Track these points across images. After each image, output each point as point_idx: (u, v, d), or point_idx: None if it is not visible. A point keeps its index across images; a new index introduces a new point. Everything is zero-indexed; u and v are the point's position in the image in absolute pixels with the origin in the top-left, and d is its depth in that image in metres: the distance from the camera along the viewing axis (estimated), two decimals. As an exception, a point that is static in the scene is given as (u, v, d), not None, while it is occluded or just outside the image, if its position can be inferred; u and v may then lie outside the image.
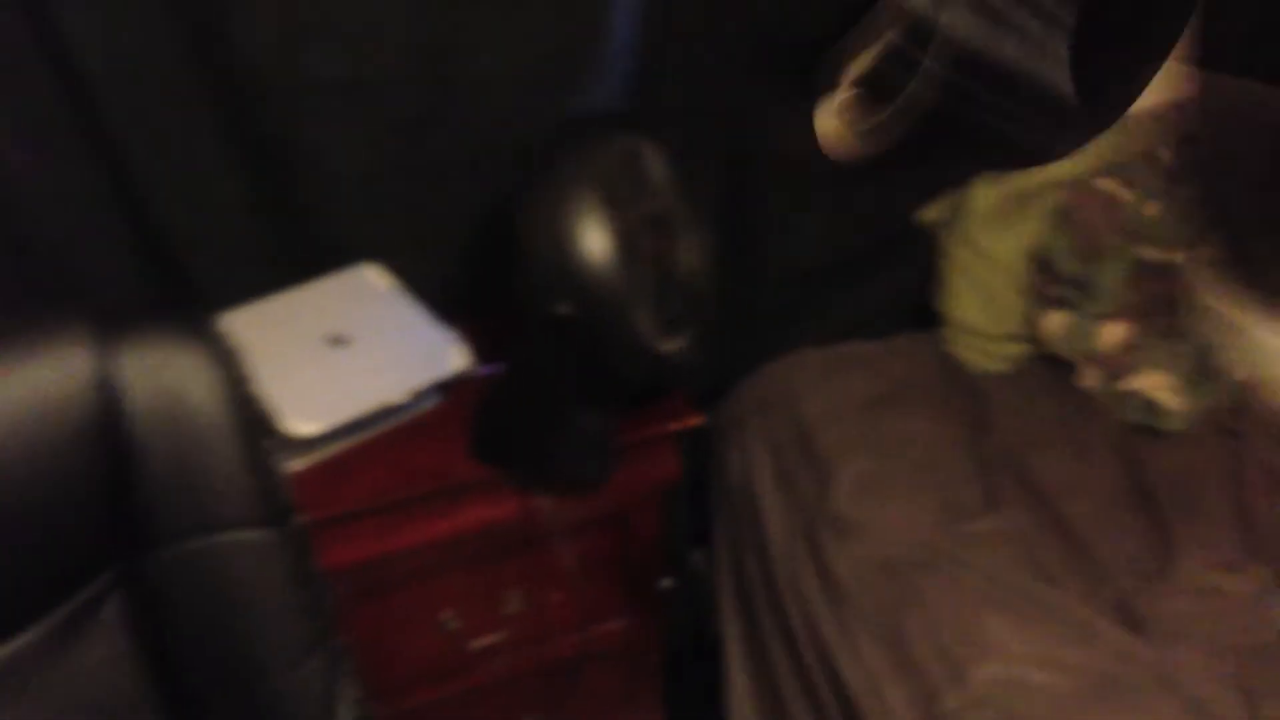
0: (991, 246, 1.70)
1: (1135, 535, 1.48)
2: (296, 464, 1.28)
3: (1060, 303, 1.68)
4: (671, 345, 1.28)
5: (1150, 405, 1.63)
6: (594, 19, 1.40)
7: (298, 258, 1.44)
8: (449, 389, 1.37)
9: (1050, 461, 1.59)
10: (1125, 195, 1.68)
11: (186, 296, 1.39)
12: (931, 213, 1.77)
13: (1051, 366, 1.72)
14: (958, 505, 1.52)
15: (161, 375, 0.80)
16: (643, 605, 1.57)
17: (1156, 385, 1.63)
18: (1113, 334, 1.66)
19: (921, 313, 1.81)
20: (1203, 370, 1.66)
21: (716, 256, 1.37)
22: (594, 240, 1.21)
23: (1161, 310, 1.68)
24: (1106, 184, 1.68)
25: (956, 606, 1.38)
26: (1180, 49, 1.65)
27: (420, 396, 1.34)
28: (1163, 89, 1.70)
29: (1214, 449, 1.61)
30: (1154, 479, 1.55)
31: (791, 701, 1.53)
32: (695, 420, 1.44)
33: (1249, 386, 1.67)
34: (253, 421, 0.84)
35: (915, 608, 1.39)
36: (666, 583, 1.69)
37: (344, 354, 1.33)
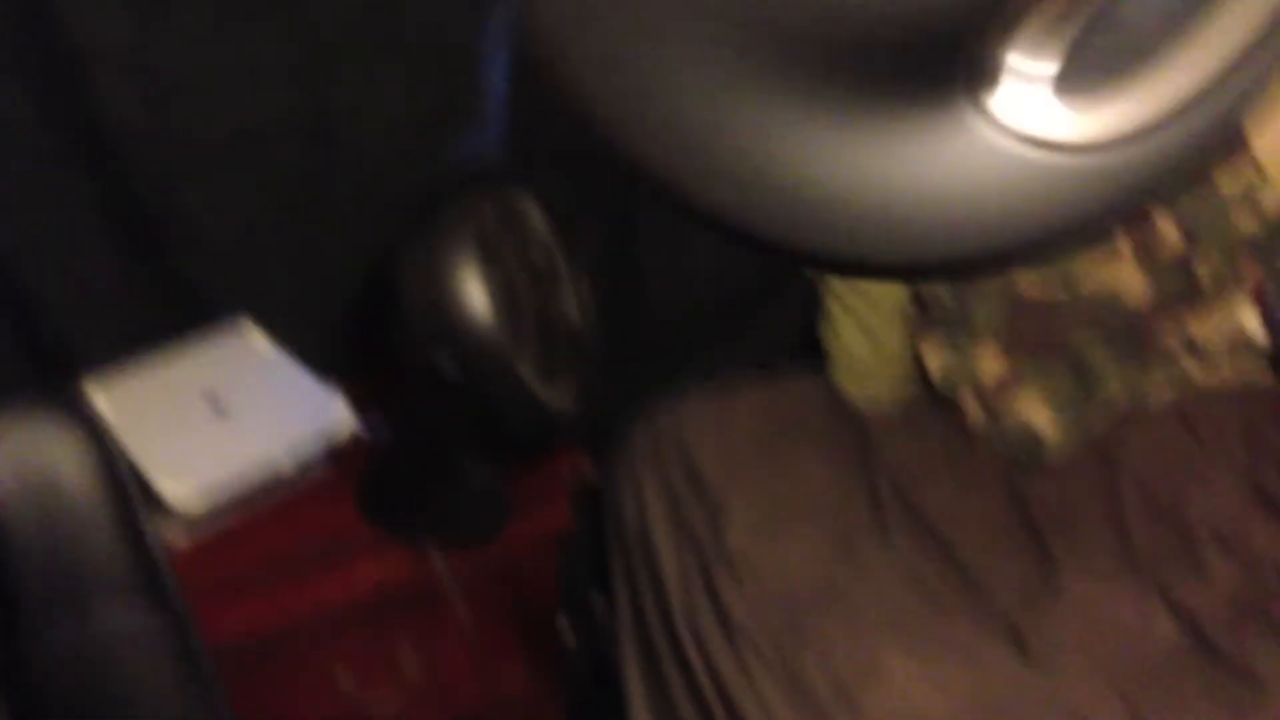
0: (872, 286, 1.74)
1: (1021, 562, 1.52)
2: (178, 537, 1.25)
3: (939, 335, 1.72)
4: (557, 395, 1.28)
5: (1030, 437, 1.68)
6: (471, 72, 1.40)
7: (173, 316, 1.42)
8: (335, 448, 1.36)
9: (937, 494, 1.62)
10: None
11: (58, 359, 1.35)
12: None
13: (936, 400, 1.76)
14: (849, 540, 1.55)
15: (30, 459, 0.78)
16: (542, 653, 1.57)
17: (1036, 417, 1.68)
18: (991, 366, 1.70)
19: (808, 348, 1.84)
20: (1081, 399, 1.71)
21: (600, 302, 1.38)
22: (474, 294, 1.21)
23: (1039, 339, 1.72)
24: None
25: (850, 638, 1.40)
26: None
27: (306, 458, 1.32)
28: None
29: (1093, 474, 1.66)
30: (1037, 507, 1.59)
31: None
32: (586, 467, 1.45)
33: (1125, 412, 1.73)
34: (128, 501, 0.83)
35: (810, 641, 1.40)
36: (565, 629, 1.68)
37: (224, 418, 1.31)
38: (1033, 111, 0.13)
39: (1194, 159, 0.13)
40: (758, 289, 1.82)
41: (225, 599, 1.22)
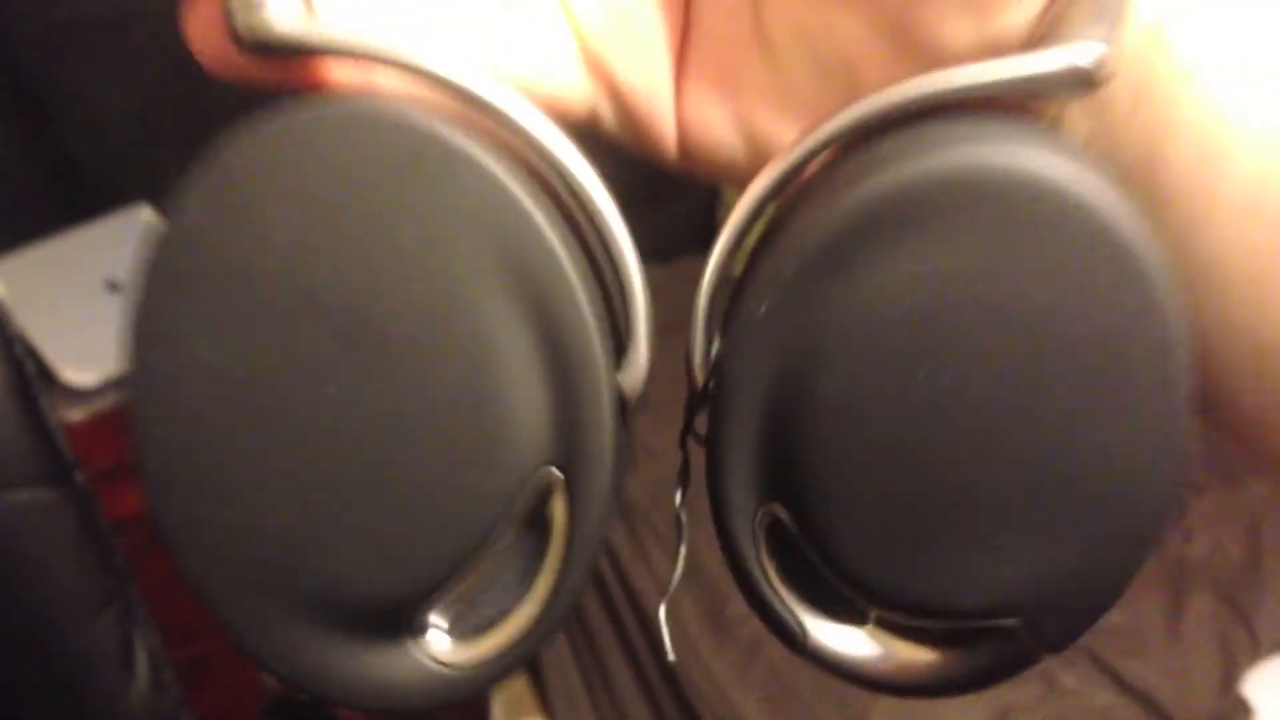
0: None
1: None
2: (77, 414, 1.26)
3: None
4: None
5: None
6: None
7: (68, 202, 1.40)
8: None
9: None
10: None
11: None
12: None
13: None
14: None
15: (-76, 339, 0.78)
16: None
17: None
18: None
19: (705, 237, 1.87)
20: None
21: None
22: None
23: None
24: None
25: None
26: None
27: (205, 341, 1.33)
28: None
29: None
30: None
31: (592, 616, 1.60)
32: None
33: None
34: (26, 380, 0.84)
35: (705, 520, 1.46)
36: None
37: (120, 301, 1.31)
38: (439, 646, 0.23)
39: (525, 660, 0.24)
40: (655, 179, 1.84)
41: (121, 479, 1.23)
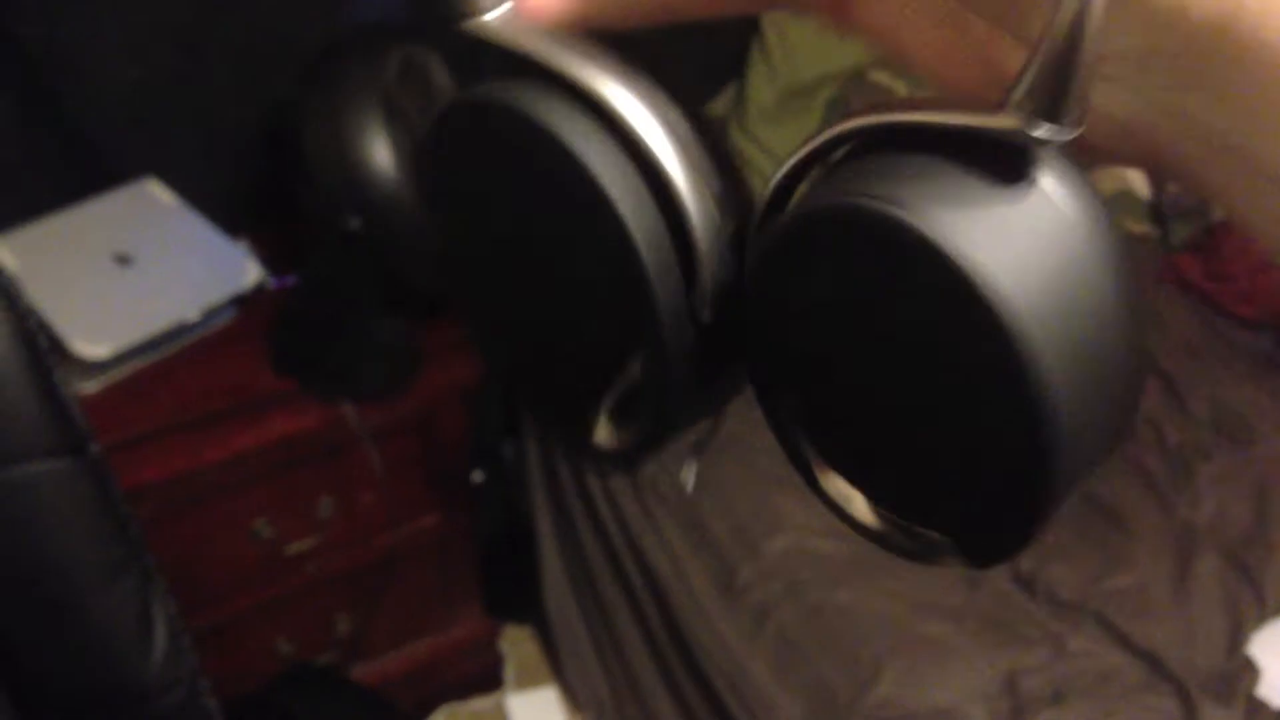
0: (771, 140, 1.77)
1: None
2: (90, 387, 1.27)
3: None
4: (465, 251, 1.30)
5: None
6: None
7: (75, 175, 1.40)
8: (243, 303, 1.37)
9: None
10: (898, 88, 1.76)
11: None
12: (715, 107, 1.82)
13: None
14: (746, 391, 1.60)
15: (-63, 313, 0.79)
16: (454, 501, 1.62)
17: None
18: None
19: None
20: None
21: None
22: (379, 153, 1.22)
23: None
24: (880, 76, 1.76)
25: (749, 486, 1.47)
26: None
27: (213, 312, 1.34)
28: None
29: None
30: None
31: (602, 583, 1.61)
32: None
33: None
34: (39, 352, 0.84)
35: (712, 490, 1.47)
36: (477, 477, 1.73)
37: (131, 273, 1.32)
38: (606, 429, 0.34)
39: None
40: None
41: (137, 449, 1.24)
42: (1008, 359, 0.23)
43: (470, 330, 0.36)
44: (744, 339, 0.31)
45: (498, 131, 0.32)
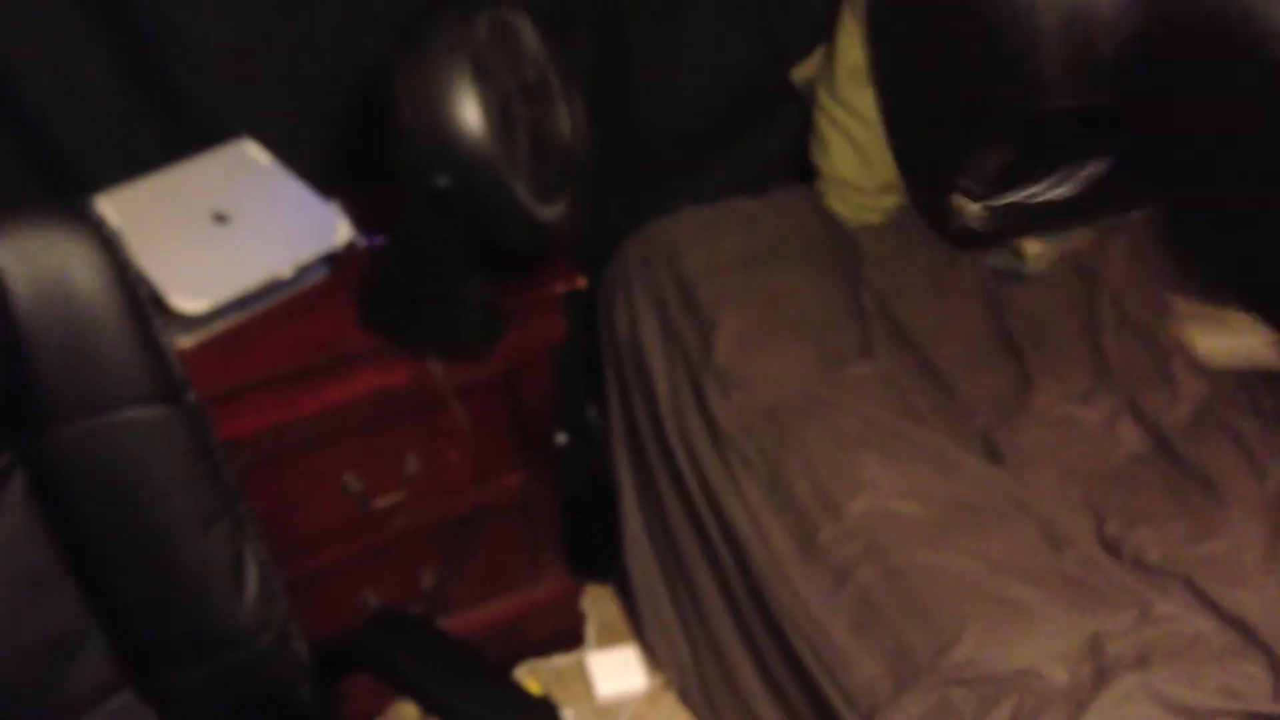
0: (862, 103, 1.75)
1: (997, 374, 1.58)
2: (187, 341, 1.30)
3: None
4: (550, 211, 1.31)
5: (1013, 250, 1.72)
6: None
7: (174, 135, 1.44)
8: (334, 261, 1.40)
9: (920, 308, 1.67)
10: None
11: (64, 181, 1.38)
12: (804, 70, 1.81)
13: (920, 217, 1.79)
14: (833, 353, 1.60)
15: (44, 262, 0.82)
16: (538, 459, 1.64)
17: (1018, 230, 1.71)
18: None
19: (798, 169, 1.86)
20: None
21: (593, 121, 1.40)
22: (468, 112, 1.23)
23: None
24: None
25: (832, 448, 1.46)
26: None
27: (306, 269, 1.37)
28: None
29: (1072, 290, 1.70)
30: (1016, 321, 1.65)
31: (683, 543, 1.63)
32: (579, 281, 1.49)
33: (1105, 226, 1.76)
34: (139, 302, 0.87)
35: (794, 451, 1.47)
36: (561, 437, 1.75)
37: (227, 230, 1.35)
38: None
39: None
40: (749, 110, 1.83)
41: (232, 401, 1.28)
42: None
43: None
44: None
45: None
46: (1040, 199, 0.33)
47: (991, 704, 1.18)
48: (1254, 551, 1.33)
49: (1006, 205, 0.33)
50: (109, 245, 0.84)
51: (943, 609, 1.27)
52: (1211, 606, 1.26)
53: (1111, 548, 1.34)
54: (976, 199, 0.34)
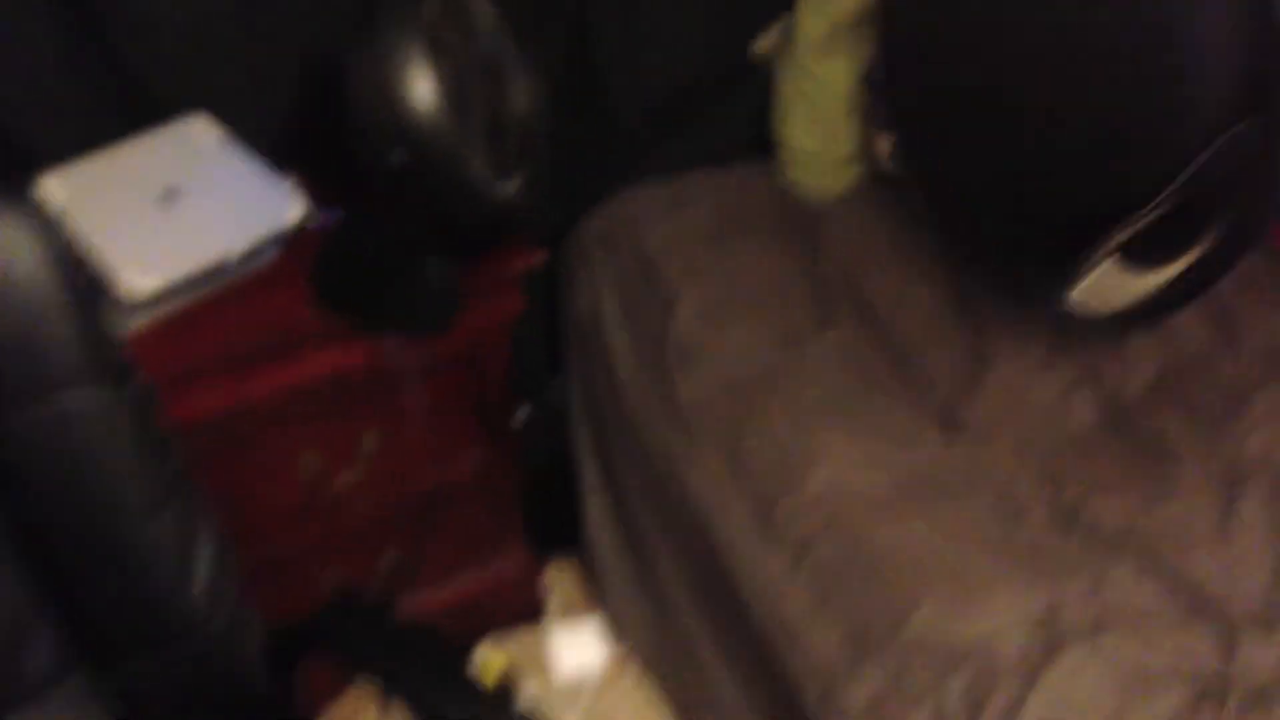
0: (824, 73, 1.74)
1: (957, 347, 1.58)
2: (137, 322, 1.29)
3: (891, 123, 1.74)
4: (507, 188, 1.31)
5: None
6: None
7: (124, 111, 1.42)
8: (288, 239, 1.38)
9: (881, 279, 1.67)
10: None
11: (12, 160, 1.36)
12: (765, 43, 1.80)
13: (883, 188, 1.79)
14: (794, 327, 1.60)
15: (-18, 248, 0.81)
16: (498, 436, 1.63)
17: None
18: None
19: (761, 143, 1.86)
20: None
21: (554, 96, 1.39)
22: (422, 89, 1.22)
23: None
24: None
25: (792, 420, 1.47)
26: None
27: (259, 248, 1.35)
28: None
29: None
30: (974, 291, 1.65)
31: (644, 516, 1.63)
32: (538, 258, 1.48)
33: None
34: (83, 285, 0.86)
35: (755, 424, 1.47)
36: (521, 414, 1.75)
37: (178, 209, 1.33)
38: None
39: None
40: (710, 84, 1.82)
41: (182, 385, 1.26)
42: None
43: (930, 189, 0.41)
44: None
45: None
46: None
47: (948, 673, 1.19)
48: (1208, 519, 1.34)
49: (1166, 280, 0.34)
50: (48, 229, 0.83)
51: (901, 580, 1.28)
52: (1165, 573, 1.28)
53: (1068, 517, 1.35)
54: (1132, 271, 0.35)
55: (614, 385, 1.65)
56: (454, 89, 1.24)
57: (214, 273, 1.32)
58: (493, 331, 1.50)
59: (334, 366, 1.36)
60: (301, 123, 1.52)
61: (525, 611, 1.84)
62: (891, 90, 1.63)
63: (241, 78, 1.46)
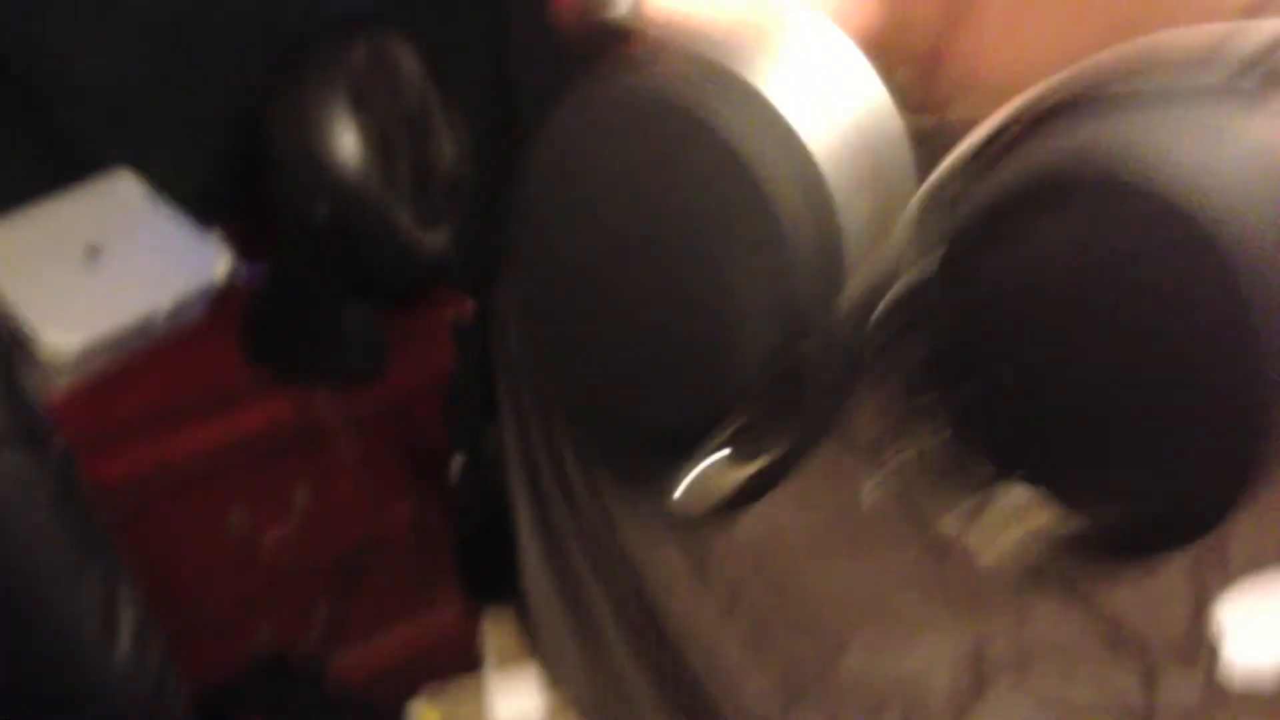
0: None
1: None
2: (61, 382, 1.27)
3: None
4: (434, 239, 1.31)
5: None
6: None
7: (46, 168, 1.41)
8: (214, 295, 1.38)
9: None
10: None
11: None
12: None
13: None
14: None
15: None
16: (431, 487, 1.63)
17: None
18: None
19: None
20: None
21: (479, 146, 1.40)
22: (347, 141, 1.23)
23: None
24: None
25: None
26: None
27: (185, 304, 1.34)
28: None
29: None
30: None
31: (579, 565, 1.62)
32: (468, 307, 1.49)
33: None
34: (4, 345, 0.86)
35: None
36: (455, 464, 1.74)
37: (102, 266, 1.33)
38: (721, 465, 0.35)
39: None
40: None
41: (108, 445, 1.25)
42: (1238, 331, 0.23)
43: (541, 368, 0.36)
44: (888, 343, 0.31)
45: (647, 125, 0.31)
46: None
47: (880, 713, 1.20)
48: (1129, 553, 1.37)
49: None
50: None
51: (831, 621, 1.29)
52: (1085, 606, 1.29)
53: (994, 554, 1.37)
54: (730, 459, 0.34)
55: (547, 427, 1.65)
56: (379, 141, 1.25)
57: (140, 330, 1.31)
58: (423, 382, 1.50)
59: (263, 422, 1.35)
60: (227, 177, 1.51)
61: (462, 663, 1.83)
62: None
63: (165, 133, 1.46)
